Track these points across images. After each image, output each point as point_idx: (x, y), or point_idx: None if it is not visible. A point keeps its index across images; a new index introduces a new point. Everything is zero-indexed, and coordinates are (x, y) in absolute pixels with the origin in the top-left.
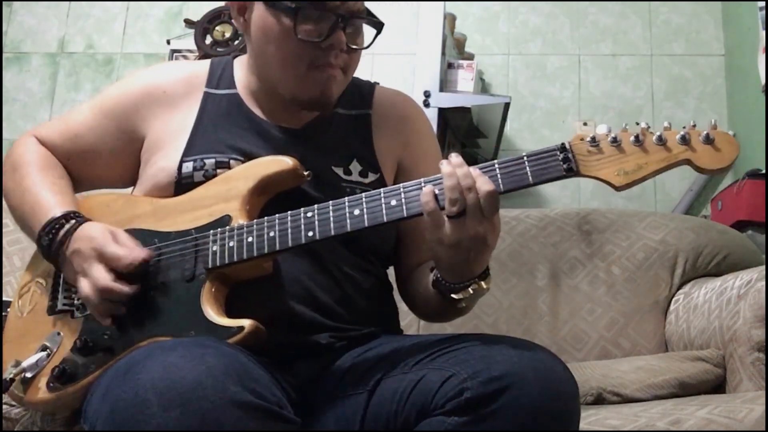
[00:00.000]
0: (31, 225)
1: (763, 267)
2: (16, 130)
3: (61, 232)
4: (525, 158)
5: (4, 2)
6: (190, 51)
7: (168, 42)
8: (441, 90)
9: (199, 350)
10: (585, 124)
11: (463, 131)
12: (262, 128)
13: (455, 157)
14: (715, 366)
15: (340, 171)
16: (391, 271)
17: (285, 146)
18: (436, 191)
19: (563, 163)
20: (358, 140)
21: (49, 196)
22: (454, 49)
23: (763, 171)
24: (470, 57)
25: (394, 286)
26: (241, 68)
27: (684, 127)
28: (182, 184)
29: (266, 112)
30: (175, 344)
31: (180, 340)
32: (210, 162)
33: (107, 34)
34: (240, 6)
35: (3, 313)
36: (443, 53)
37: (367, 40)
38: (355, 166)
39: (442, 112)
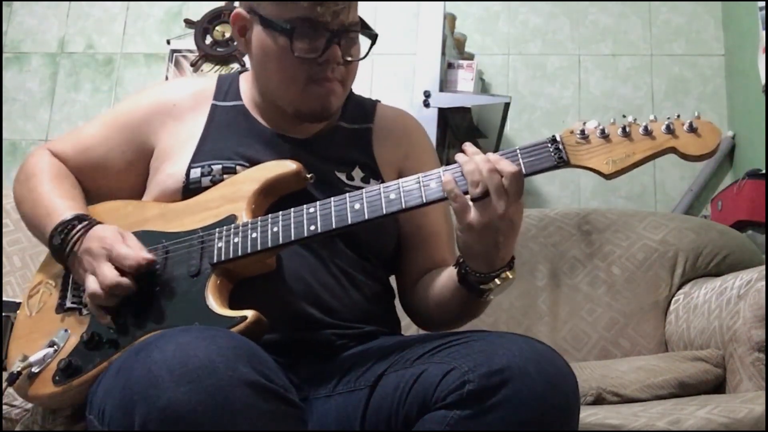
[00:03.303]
0: (43, 229)
1: (763, 267)
2: (16, 130)
3: (72, 233)
4: (518, 150)
5: (4, 2)
6: (190, 51)
7: (168, 42)
8: (441, 90)
9: (210, 332)
10: (585, 124)
11: (463, 131)
12: (267, 137)
13: (469, 146)
14: (715, 366)
15: (343, 176)
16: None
17: (289, 154)
18: (456, 177)
19: (554, 153)
20: (359, 150)
21: (60, 201)
22: (454, 49)
23: (763, 171)
24: (470, 57)
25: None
26: (246, 82)
27: (669, 118)
28: (190, 189)
29: (271, 123)
30: (188, 328)
31: (191, 326)
32: (217, 168)
33: (107, 34)
34: (240, 27)
35: (3, 314)
36: (443, 53)
37: (363, 50)
38: (358, 173)
39: (442, 112)
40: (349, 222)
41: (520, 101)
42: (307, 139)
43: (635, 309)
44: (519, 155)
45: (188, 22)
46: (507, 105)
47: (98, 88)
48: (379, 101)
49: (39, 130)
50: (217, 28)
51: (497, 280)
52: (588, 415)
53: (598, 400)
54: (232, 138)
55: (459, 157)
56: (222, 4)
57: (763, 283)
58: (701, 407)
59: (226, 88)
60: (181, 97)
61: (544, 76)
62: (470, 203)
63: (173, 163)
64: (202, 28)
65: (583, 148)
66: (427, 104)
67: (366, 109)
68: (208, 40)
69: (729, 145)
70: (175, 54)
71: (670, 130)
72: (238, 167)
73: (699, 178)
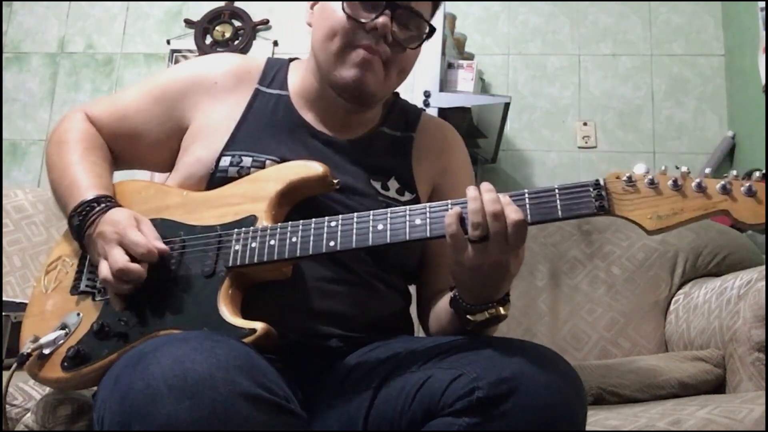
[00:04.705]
0: (65, 203)
1: (763, 267)
2: (16, 130)
3: (91, 215)
4: (557, 190)
5: (4, 2)
6: (190, 51)
7: (168, 42)
8: (441, 90)
9: (209, 343)
10: (585, 124)
11: (463, 131)
12: (305, 134)
13: (485, 184)
14: (715, 366)
15: (378, 185)
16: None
17: (325, 155)
18: (463, 214)
19: (596, 200)
20: (398, 160)
21: (86, 176)
22: (454, 49)
23: (763, 171)
24: (470, 57)
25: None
26: (295, 71)
27: (725, 176)
28: (216, 178)
29: (314, 119)
30: (186, 337)
31: (191, 333)
32: (247, 160)
33: (107, 34)
34: None
35: (3, 314)
36: (443, 53)
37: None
38: (393, 184)
39: (442, 112)
40: (370, 243)
41: (520, 101)
42: (348, 141)
43: (635, 309)
44: (557, 195)
45: (188, 22)
46: (507, 105)
47: (98, 88)
48: (424, 110)
49: (39, 130)
50: (217, 28)
51: (487, 314)
52: (588, 415)
53: (598, 401)
54: (269, 130)
55: (469, 191)
56: (222, 4)
57: (763, 283)
58: (701, 407)
59: (273, 74)
60: (224, 74)
61: (544, 76)
62: (467, 243)
63: (205, 147)
64: (202, 28)
65: (628, 198)
66: (427, 104)
67: (410, 117)
68: (208, 40)
69: (729, 145)
70: (175, 54)
71: (726, 190)
72: (267, 162)
73: None
